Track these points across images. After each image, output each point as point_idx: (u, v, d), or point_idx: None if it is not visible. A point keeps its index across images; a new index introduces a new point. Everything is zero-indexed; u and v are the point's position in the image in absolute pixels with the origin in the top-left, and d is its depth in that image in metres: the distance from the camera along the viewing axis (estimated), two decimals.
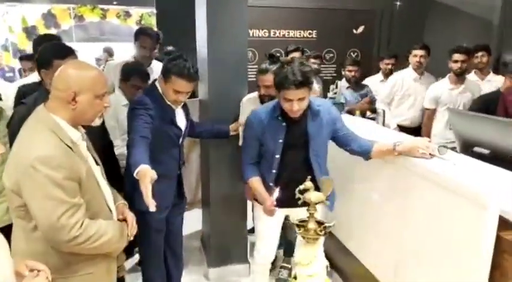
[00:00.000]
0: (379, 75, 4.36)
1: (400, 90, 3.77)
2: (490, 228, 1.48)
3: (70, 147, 1.39)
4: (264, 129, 2.05)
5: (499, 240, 1.49)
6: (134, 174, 1.69)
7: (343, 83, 4.06)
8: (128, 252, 2.71)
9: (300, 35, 5.14)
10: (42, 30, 7.89)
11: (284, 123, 2.04)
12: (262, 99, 2.40)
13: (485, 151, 1.91)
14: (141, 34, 3.17)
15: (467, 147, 2.03)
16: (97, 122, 1.54)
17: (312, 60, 4.01)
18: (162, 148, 2.15)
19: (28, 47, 7.65)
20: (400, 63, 4.10)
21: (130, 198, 1.88)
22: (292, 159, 2.08)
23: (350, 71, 4.04)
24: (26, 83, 2.54)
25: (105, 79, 1.51)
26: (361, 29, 5.25)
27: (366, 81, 4.29)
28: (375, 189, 2.24)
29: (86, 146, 1.56)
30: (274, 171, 2.08)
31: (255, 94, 2.53)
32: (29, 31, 7.73)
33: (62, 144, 1.37)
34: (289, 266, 2.87)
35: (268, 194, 2.02)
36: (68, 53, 1.99)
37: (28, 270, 1.19)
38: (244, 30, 2.66)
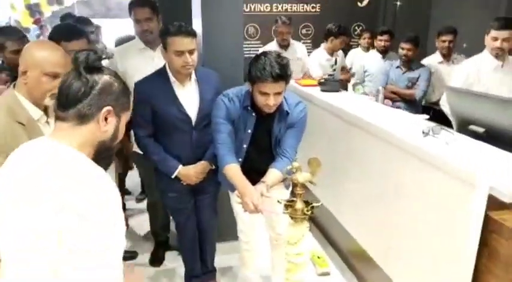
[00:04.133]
0: (437, 56, 3.77)
1: (478, 83, 2.88)
2: (478, 208, 1.47)
3: (23, 124, 1.47)
4: (238, 116, 1.99)
5: (487, 219, 1.48)
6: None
7: (395, 62, 3.70)
8: None
9: (303, 8, 5.03)
10: (45, 7, 7.85)
11: (254, 114, 1.97)
12: None
13: (481, 129, 1.88)
14: (133, 6, 2.53)
15: (463, 126, 1.99)
16: (48, 102, 1.55)
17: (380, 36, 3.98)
18: (175, 132, 2.17)
19: (31, 25, 7.64)
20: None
21: None
22: (257, 150, 2.05)
23: (403, 48, 3.57)
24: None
25: (58, 60, 1.53)
26: (365, 2, 5.12)
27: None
28: (366, 166, 2.23)
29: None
30: (240, 159, 2.05)
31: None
32: (31, 8, 7.69)
33: (9, 120, 1.45)
34: None
35: (253, 188, 1.86)
36: (74, 36, 2.01)
37: None
38: (239, 5, 2.62)
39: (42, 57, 1.49)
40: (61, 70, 1.53)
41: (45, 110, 1.56)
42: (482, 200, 1.46)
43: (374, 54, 4.23)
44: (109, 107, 1.07)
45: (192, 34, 2.00)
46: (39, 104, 1.52)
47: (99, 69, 1.08)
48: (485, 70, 2.86)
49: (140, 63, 2.43)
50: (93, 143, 1.08)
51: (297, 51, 4.05)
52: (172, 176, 2.17)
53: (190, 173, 2.19)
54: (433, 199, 1.71)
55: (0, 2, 6.78)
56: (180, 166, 2.17)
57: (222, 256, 2.76)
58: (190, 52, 2.00)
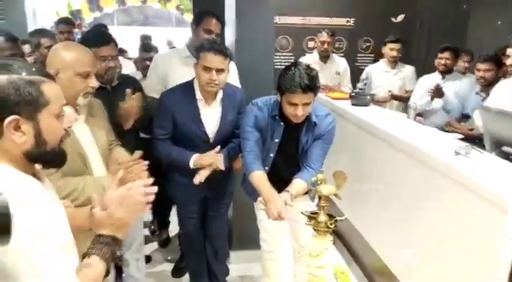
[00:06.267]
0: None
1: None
2: (509, 231, 1.42)
3: None
4: (266, 125, 2.02)
5: None
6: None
7: (475, 87, 3.17)
8: None
9: (336, 22, 5.03)
10: (87, 14, 8.19)
11: (282, 124, 1.99)
12: None
13: None
14: (206, 15, 2.49)
15: (497, 147, 1.94)
16: (81, 101, 1.59)
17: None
18: (190, 147, 2.20)
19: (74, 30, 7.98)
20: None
21: None
22: (283, 159, 2.07)
23: (479, 70, 3.11)
24: None
25: (88, 59, 1.58)
26: (400, 17, 5.06)
27: None
28: (393, 182, 2.20)
29: (88, 126, 1.69)
30: (266, 168, 2.06)
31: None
32: (74, 15, 8.03)
33: None
34: None
35: (278, 196, 1.87)
36: (103, 42, 2.05)
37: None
38: (270, 17, 2.67)
39: (73, 58, 1.54)
40: (91, 69, 1.59)
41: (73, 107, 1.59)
42: None
43: (433, 75, 3.77)
44: (12, 117, 0.91)
45: (224, 54, 2.03)
46: (70, 102, 1.54)
47: None
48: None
49: (181, 71, 2.44)
50: (19, 156, 0.95)
51: (337, 65, 4.05)
52: (191, 165, 2.16)
53: (203, 158, 2.18)
54: (461, 220, 1.66)
55: (46, 9, 7.13)
56: (195, 155, 2.16)
57: (244, 264, 2.78)
58: (219, 71, 2.03)
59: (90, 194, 1.41)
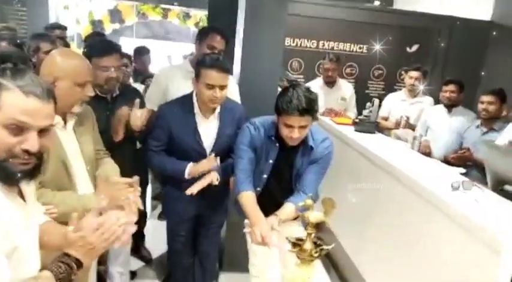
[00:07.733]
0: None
1: None
2: (503, 275, 1.34)
3: None
4: (261, 145, 1.98)
5: None
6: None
7: (475, 122, 3.24)
8: None
9: (349, 48, 5.02)
10: (107, 25, 8.35)
11: (277, 145, 1.95)
12: None
13: None
14: (211, 31, 2.47)
15: (499, 185, 1.86)
16: (76, 110, 1.59)
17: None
18: (187, 161, 2.16)
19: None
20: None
21: None
22: (276, 182, 2.02)
23: (482, 102, 3.12)
24: None
25: (86, 68, 1.58)
26: (415, 47, 5.03)
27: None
28: (389, 213, 2.12)
29: (75, 134, 1.66)
30: (258, 189, 2.02)
31: None
32: (95, 24, 8.20)
33: None
34: None
35: (265, 219, 1.82)
36: (106, 52, 2.04)
37: None
38: (280, 38, 2.66)
39: (71, 67, 1.53)
40: (90, 78, 1.58)
41: (63, 114, 1.59)
42: (509, 268, 1.33)
43: (439, 107, 3.67)
44: None
45: (227, 70, 2.02)
46: (61, 110, 1.53)
47: None
48: None
49: (183, 85, 2.39)
50: None
51: (343, 90, 4.01)
52: (186, 174, 2.12)
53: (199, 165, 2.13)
54: (457, 259, 1.58)
55: (68, 17, 7.29)
56: (190, 163, 2.12)
57: None
58: (221, 87, 2.02)
59: (66, 211, 1.38)
